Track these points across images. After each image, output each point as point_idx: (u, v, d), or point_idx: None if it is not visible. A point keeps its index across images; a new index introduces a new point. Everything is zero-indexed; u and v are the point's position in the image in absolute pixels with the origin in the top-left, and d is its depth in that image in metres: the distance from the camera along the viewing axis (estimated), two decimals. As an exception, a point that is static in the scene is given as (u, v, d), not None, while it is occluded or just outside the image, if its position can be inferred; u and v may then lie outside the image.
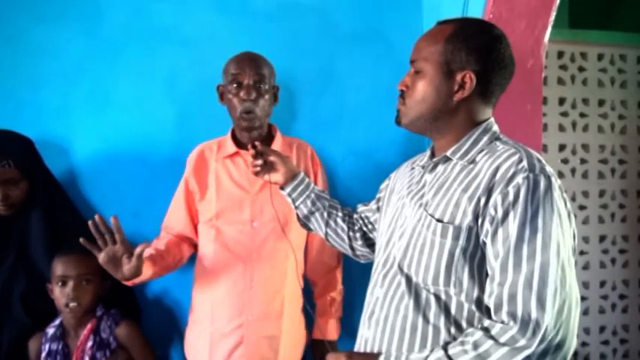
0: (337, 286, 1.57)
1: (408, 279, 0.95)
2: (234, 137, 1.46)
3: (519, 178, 0.84)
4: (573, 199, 2.22)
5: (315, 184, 1.48)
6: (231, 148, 1.44)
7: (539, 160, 0.88)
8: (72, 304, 1.30)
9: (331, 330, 1.54)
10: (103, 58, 1.61)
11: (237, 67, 1.37)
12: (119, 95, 1.61)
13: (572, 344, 0.82)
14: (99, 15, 1.61)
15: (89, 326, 1.33)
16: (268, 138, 1.48)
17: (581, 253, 2.24)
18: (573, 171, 2.23)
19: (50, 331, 1.34)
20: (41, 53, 1.58)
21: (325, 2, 1.72)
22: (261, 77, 1.37)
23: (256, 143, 1.25)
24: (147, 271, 1.24)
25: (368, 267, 1.16)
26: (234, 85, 1.36)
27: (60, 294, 1.31)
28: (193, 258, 1.50)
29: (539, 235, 0.81)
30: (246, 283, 1.37)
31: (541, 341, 0.78)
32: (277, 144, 1.46)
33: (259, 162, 1.24)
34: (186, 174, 1.47)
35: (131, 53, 1.62)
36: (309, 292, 1.54)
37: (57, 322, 1.35)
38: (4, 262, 1.35)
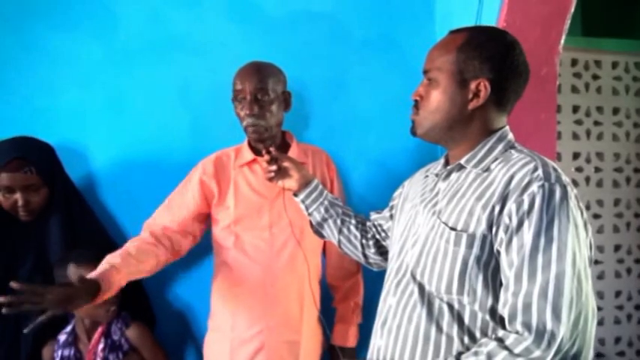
0: (360, 292, 1.57)
1: (421, 287, 0.94)
2: (250, 145, 1.47)
3: (534, 187, 0.83)
4: (588, 207, 2.19)
5: (332, 191, 1.48)
6: (248, 155, 1.45)
7: (555, 169, 0.87)
8: (112, 308, 1.33)
9: (352, 336, 1.53)
10: (118, 66, 1.63)
11: (238, 81, 1.38)
12: (134, 102, 1.63)
13: (589, 356, 0.81)
14: (114, 24, 1.63)
15: (100, 329, 1.34)
16: (284, 145, 1.48)
17: (596, 262, 2.21)
18: (587, 179, 2.21)
19: (62, 337, 1.35)
20: (57, 61, 1.61)
21: (338, 10, 1.73)
22: (263, 90, 1.36)
23: (271, 149, 1.26)
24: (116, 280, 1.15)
25: (383, 273, 1.15)
26: (238, 101, 1.39)
27: (99, 310, 1.31)
28: (210, 265, 1.50)
29: (555, 245, 0.80)
30: (266, 289, 1.37)
31: (556, 353, 0.77)
32: (293, 151, 1.46)
33: (273, 168, 1.25)
34: (201, 175, 1.43)
35: (145, 61, 1.64)
36: (324, 298, 1.53)
37: (68, 328, 1.36)
38: (22, 267, 1.37)
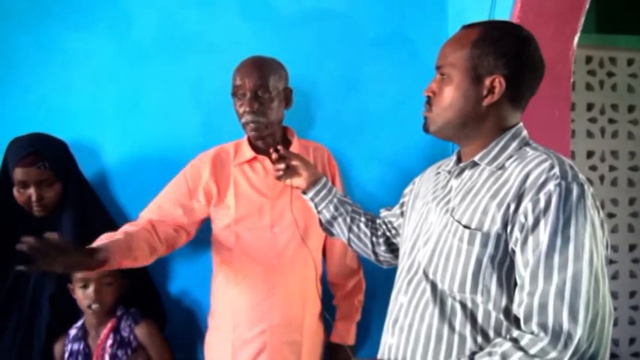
0: (363, 289, 1.57)
1: (434, 286, 0.93)
2: (250, 142, 1.44)
3: (551, 185, 0.82)
4: (602, 206, 2.16)
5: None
6: (249, 153, 1.42)
7: (572, 167, 0.86)
8: (94, 306, 1.32)
9: (353, 334, 1.54)
10: (132, 65, 1.64)
11: (238, 77, 1.35)
12: (147, 100, 1.64)
13: (606, 357, 0.80)
14: (128, 23, 1.64)
15: (109, 325, 1.35)
16: (285, 142, 1.46)
17: (611, 262, 2.19)
18: (602, 178, 2.18)
19: (72, 332, 1.36)
20: (72, 60, 1.63)
21: (349, 8, 1.73)
22: (262, 87, 1.32)
23: (279, 147, 1.25)
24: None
25: (389, 271, 1.15)
26: (237, 97, 1.36)
27: (82, 296, 1.33)
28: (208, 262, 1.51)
29: (572, 245, 0.79)
30: (268, 290, 1.36)
31: (573, 354, 0.76)
32: (294, 148, 1.44)
33: (282, 166, 1.24)
34: (196, 173, 1.40)
35: (158, 60, 1.65)
36: (326, 297, 1.53)
37: (79, 323, 1.38)
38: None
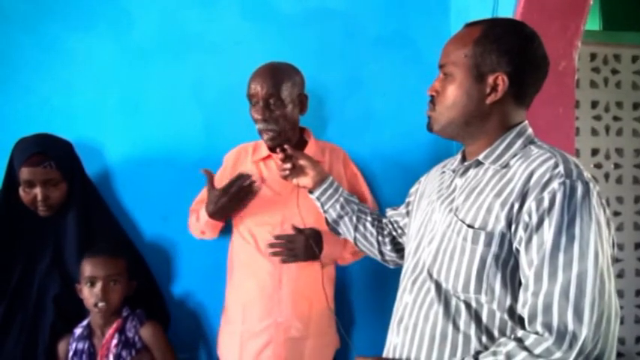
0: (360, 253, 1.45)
1: (438, 285, 0.93)
2: None
3: (555, 184, 0.82)
4: (607, 204, 2.15)
5: (351, 190, 1.47)
6: (264, 151, 1.47)
7: (577, 166, 0.85)
8: (100, 304, 1.32)
9: (325, 246, 1.38)
10: (134, 65, 1.65)
11: (252, 85, 1.37)
12: (149, 101, 1.65)
13: (612, 357, 0.79)
14: (129, 24, 1.65)
15: (114, 325, 1.35)
16: (301, 143, 1.48)
17: (616, 260, 2.16)
18: (607, 176, 2.17)
19: (77, 331, 1.37)
20: (74, 61, 1.63)
21: (352, 7, 1.72)
22: (275, 95, 1.34)
23: (285, 146, 1.26)
24: None
25: (396, 271, 1.14)
26: (251, 104, 1.39)
27: (89, 294, 1.33)
28: (222, 263, 1.51)
29: (576, 244, 0.79)
30: (276, 284, 1.38)
31: (578, 354, 0.75)
32: (310, 149, 1.46)
33: (288, 165, 1.25)
34: (223, 171, 1.50)
35: (160, 60, 1.65)
36: (339, 311, 1.51)
37: (85, 322, 1.38)
38: (40, 262, 1.39)
